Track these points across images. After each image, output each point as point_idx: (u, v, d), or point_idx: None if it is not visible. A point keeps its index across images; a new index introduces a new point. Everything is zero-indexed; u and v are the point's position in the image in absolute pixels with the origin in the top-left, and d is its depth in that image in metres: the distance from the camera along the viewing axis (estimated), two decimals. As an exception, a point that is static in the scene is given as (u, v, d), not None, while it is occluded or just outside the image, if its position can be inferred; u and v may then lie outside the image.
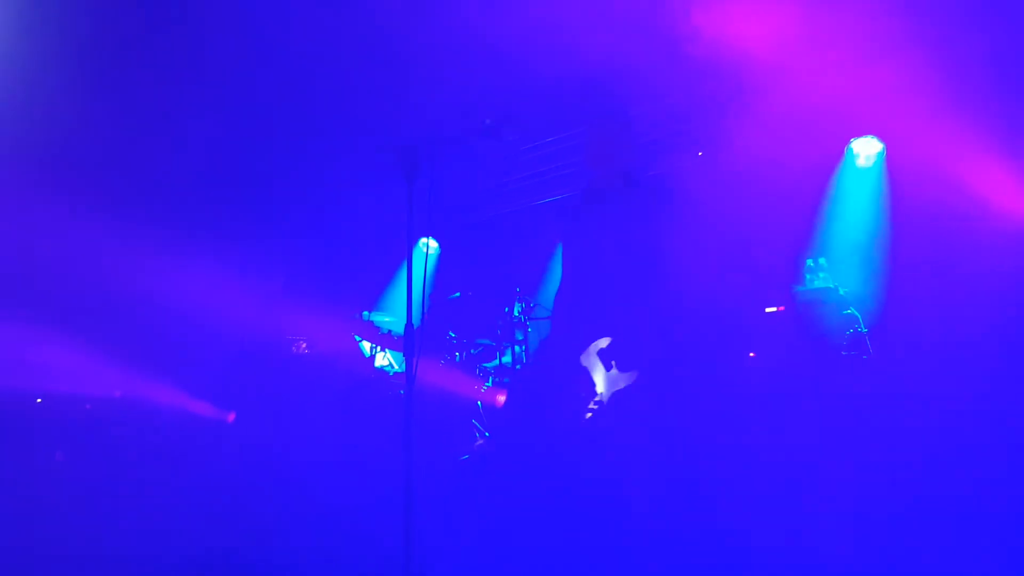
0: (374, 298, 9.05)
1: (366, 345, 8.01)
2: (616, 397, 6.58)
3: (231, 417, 7.60)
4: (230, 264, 8.13)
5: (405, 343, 4.12)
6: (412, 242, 4.59)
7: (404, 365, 7.53)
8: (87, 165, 7.68)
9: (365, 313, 8.09)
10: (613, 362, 6.48)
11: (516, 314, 7.34)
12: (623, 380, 6.62)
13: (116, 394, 7.84)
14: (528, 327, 7.45)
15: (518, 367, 7.29)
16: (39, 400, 7.58)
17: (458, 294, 7.95)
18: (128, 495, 5.89)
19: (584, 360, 6.55)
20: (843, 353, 6.53)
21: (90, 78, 7.03)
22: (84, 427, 7.46)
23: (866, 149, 7.65)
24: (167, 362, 7.83)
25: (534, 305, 7.49)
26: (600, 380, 6.83)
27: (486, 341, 7.76)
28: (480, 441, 6.92)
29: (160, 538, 5.07)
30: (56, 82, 6.83)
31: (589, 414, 6.62)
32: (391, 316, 8.37)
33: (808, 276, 7.00)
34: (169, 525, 5.28)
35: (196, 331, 8.02)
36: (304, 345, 7.80)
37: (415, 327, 4.21)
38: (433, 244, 9.08)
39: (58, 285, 7.71)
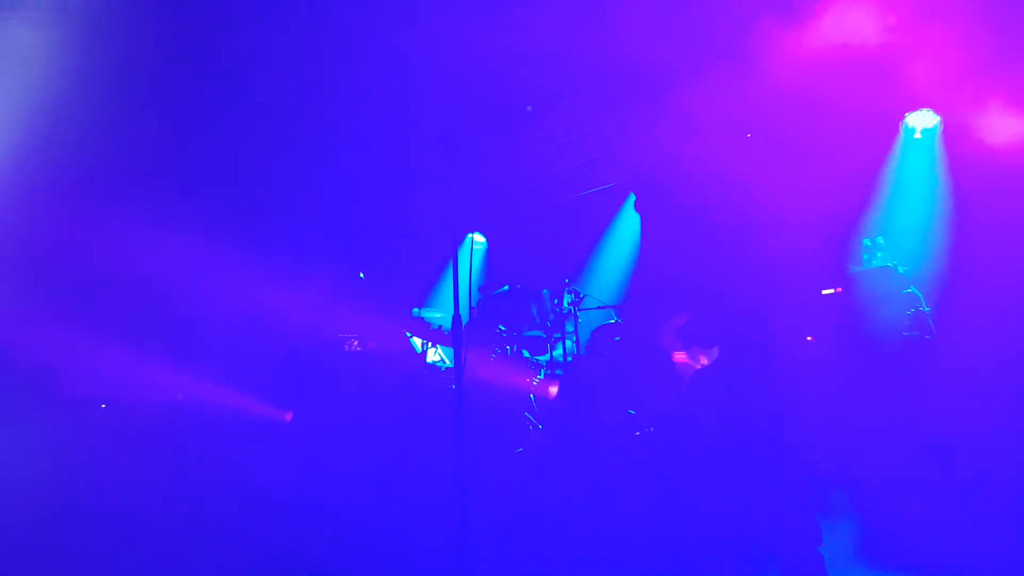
0: (424, 295, 9.11)
1: (417, 341, 8.07)
2: (673, 387, 6.51)
3: (289, 416, 7.73)
4: (284, 266, 8.27)
5: (453, 337, 4.13)
6: (460, 238, 4.60)
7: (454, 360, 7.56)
8: (139, 170, 7.85)
9: (416, 310, 8.14)
10: (671, 351, 6.42)
11: (566, 306, 7.29)
12: (681, 370, 6.55)
13: (178, 397, 8.04)
14: (578, 318, 7.40)
15: (569, 359, 7.25)
16: (104, 406, 7.81)
17: (507, 288, 7.94)
18: (190, 497, 6.02)
19: (644, 350, 6.51)
20: (905, 334, 6.32)
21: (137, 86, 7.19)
22: (149, 431, 7.67)
23: (922, 122, 7.39)
24: (226, 365, 8.00)
25: (583, 296, 7.44)
26: (660, 369, 6.76)
27: (536, 333, 7.73)
28: (533, 434, 6.91)
29: (219, 539, 5.18)
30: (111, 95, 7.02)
31: (645, 405, 6.56)
32: (441, 312, 8.42)
33: (866, 256, 6.79)
34: (230, 526, 5.39)
35: (252, 333, 8.18)
36: (356, 343, 7.89)
37: (462, 321, 4.22)
38: (480, 239, 9.09)
39: (120, 293, 7.93)
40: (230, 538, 5.15)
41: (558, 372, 7.36)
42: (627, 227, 8.91)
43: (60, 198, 7.20)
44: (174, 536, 5.18)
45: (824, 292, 6.65)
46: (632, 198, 8.83)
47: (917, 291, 6.43)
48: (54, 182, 7.04)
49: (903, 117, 7.42)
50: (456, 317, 4.28)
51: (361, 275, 7.90)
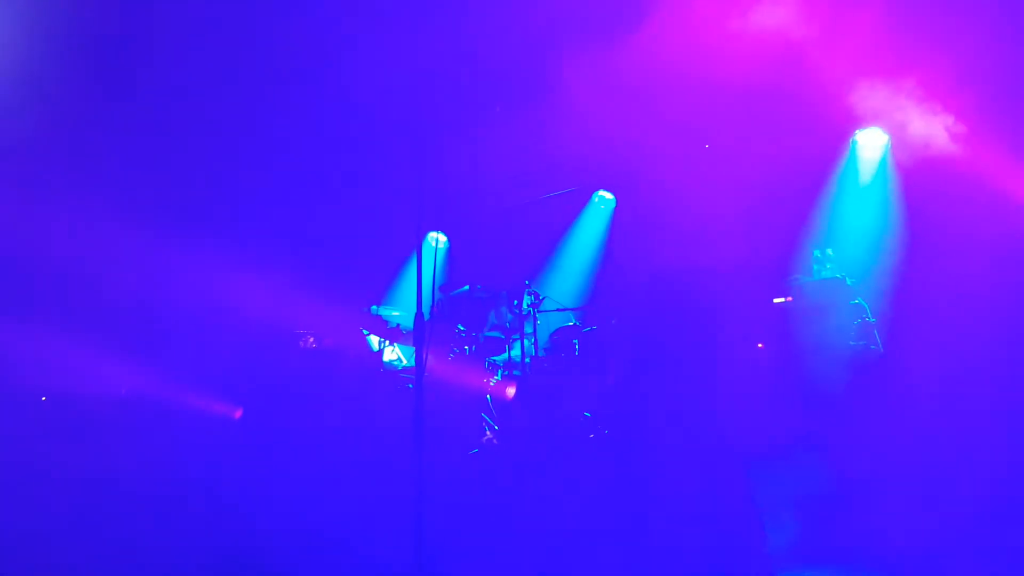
0: (382, 293, 9.03)
1: (374, 340, 8.00)
2: (626, 390, 6.62)
3: (238, 413, 7.58)
4: (238, 259, 8.11)
5: (415, 333, 4.13)
6: (421, 236, 4.60)
7: (413, 359, 7.54)
8: (89, 162, 7.65)
9: (373, 308, 8.07)
10: (624, 356, 6.53)
11: (525, 307, 7.34)
12: (633, 374, 6.65)
13: (122, 392, 7.82)
14: (537, 320, 7.45)
15: (527, 360, 7.30)
16: (43, 399, 7.56)
17: (467, 288, 7.94)
18: (134, 492, 5.87)
19: (598, 353, 6.60)
20: (851, 343, 6.54)
21: (100, 75, 7.02)
22: (91, 425, 7.44)
23: (871, 140, 7.65)
24: (174, 358, 7.80)
25: (543, 298, 7.50)
26: (612, 373, 6.86)
27: (495, 334, 7.76)
28: (489, 435, 6.93)
29: (166, 536, 5.07)
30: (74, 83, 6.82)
31: (598, 409, 6.66)
32: (399, 310, 8.36)
33: (815, 266, 7.01)
34: (176, 522, 5.27)
35: (203, 327, 8.00)
36: (312, 340, 7.79)
37: (425, 318, 4.22)
38: (442, 238, 9.07)
39: (64, 283, 7.68)
40: (175, 536, 5.04)
41: (515, 373, 7.40)
42: (588, 230, 9.01)
43: (13, 189, 6.98)
44: (115, 533, 5.05)
45: (776, 300, 6.85)
46: (594, 199, 8.93)
47: (864, 303, 6.67)
48: (8, 173, 6.82)
49: (852, 133, 7.67)
50: (419, 315, 4.28)
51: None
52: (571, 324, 7.52)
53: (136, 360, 7.73)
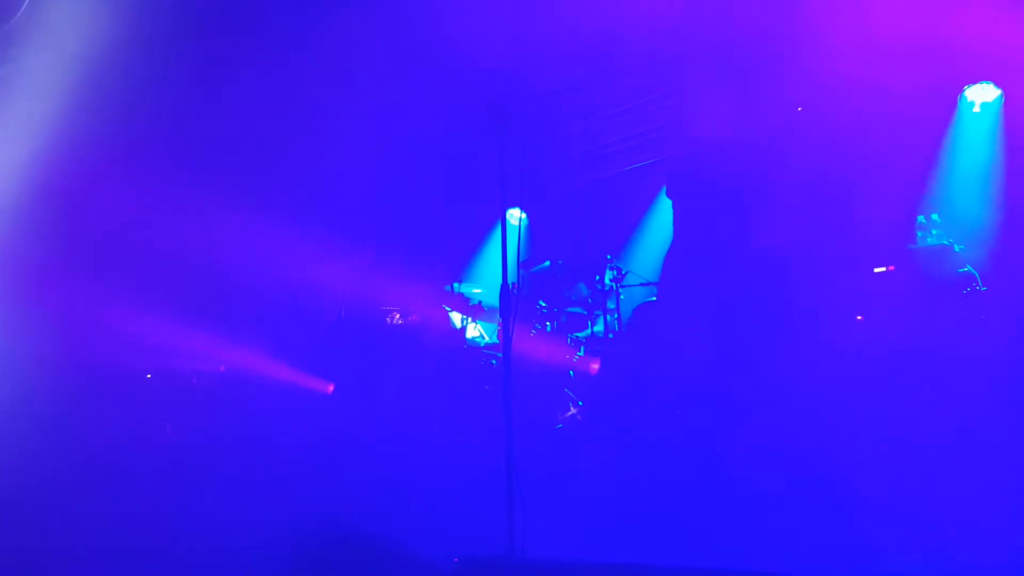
0: (462, 270, 9.09)
1: (456, 317, 8.06)
2: (717, 363, 6.42)
3: (330, 388, 7.78)
4: (323, 238, 8.30)
5: (501, 304, 4.09)
6: (503, 211, 4.55)
7: (495, 335, 7.54)
8: (188, 154, 7.93)
9: (455, 285, 8.12)
10: (717, 328, 6.31)
11: (607, 282, 7.22)
12: (724, 347, 6.44)
13: (221, 368, 8.14)
14: (620, 295, 7.32)
15: (610, 336, 7.19)
16: (149, 376, 7.94)
17: (548, 264, 7.88)
18: (233, 468, 6.09)
19: (687, 325, 6.40)
20: (960, 314, 6.14)
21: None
22: (192, 401, 7.78)
23: (981, 96, 7.12)
24: (268, 337, 8.07)
25: (625, 272, 7.36)
26: (698, 347, 6.66)
27: (577, 310, 7.67)
28: (573, 411, 6.88)
29: (263, 507, 5.23)
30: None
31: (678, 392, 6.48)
32: (479, 287, 8.39)
33: (921, 233, 6.61)
34: (270, 499, 5.44)
35: (293, 305, 8.24)
36: (398, 316, 7.90)
37: (510, 289, 4.18)
38: (521, 215, 9.02)
39: (164, 266, 8.03)
40: (272, 511, 5.20)
41: (598, 349, 7.30)
42: (670, 203, 8.76)
43: (94, 186, 7.30)
44: (216, 509, 5.24)
45: (876, 270, 6.49)
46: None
47: (974, 270, 6.24)
48: (85, 170, 7.13)
49: (961, 90, 7.16)
50: (504, 288, 4.24)
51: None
52: (654, 299, 7.36)
53: (232, 338, 8.03)
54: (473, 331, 8.05)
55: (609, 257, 7.42)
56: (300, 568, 4.17)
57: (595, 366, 7.19)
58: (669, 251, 5.81)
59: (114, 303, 7.60)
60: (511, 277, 4.28)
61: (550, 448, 6.28)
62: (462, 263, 9.32)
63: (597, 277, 7.39)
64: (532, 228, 9.21)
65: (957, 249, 6.37)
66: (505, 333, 4.15)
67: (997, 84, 7.01)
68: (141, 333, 7.75)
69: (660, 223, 8.78)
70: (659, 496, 4.93)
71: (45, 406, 6.54)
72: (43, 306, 7.05)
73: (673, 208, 5.91)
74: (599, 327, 7.41)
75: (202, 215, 7.86)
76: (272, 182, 8.34)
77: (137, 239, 7.87)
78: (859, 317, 6.37)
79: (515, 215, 8.77)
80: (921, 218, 6.65)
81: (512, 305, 4.14)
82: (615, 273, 7.31)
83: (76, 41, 6.69)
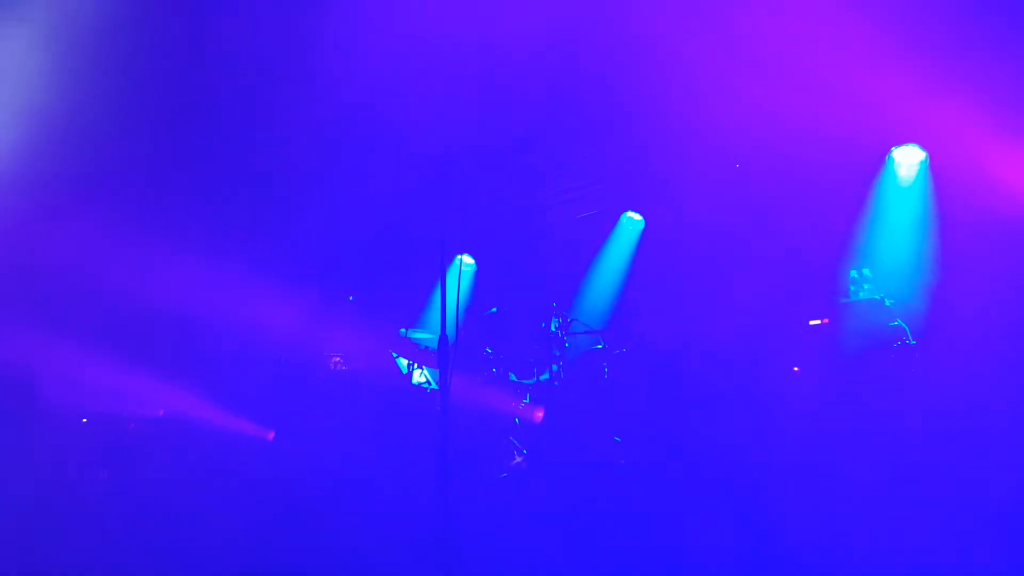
0: (413, 315, 9.07)
1: (403, 362, 8.02)
2: (659, 413, 6.51)
3: (271, 435, 7.65)
4: (268, 282, 8.23)
5: (439, 356, 4.11)
6: (448, 258, 4.60)
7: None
8: (122, 183, 7.85)
9: (403, 330, 8.10)
10: (656, 378, 6.42)
11: (553, 329, 7.28)
12: (667, 396, 6.54)
13: (159, 413, 7.96)
14: (565, 342, 7.38)
15: (556, 383, 7.22)
16: (84, 420, 7.72)
17: (495, 310, 7.92)
18: (170, 512, 5.93)
19: (624, 376, 6.51)
20: (890, 366, 6.34)
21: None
22: (129, 445, 7.58)
23: (908, 158, 7.45)
24: (208, 381, 7.93)
25: (571, 320, 7.43)
26: (642, 396, 6.75)
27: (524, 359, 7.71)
28: (518, 459, 6.86)
29: (201, 554, 5.09)
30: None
31: (624, 433, 6.55)
32: (429, 333, 8.37)
33: (852, 287, 6.83)
34: (211, 541, 5.30)
35: (235, 349, 8.12)
36: (341, 361, 7.84)
37: (448, 340, 4.21)
38: (469, 260, 9.08)
39: (99, 306, 7.87)
40: (206, 560, 5.06)
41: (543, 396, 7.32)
42: (617, 252, 8.93)
43: (48, 204, 7.18)
44: (150, 557, 5.09)
45: (811, 323, 6.68)
46: (623, 220, 8.86)
47: (904, 324, 6.46)
48: (44, 187, 7.02)
49: (889, 151, 7.49)
50: (443, 337, 4.27)
51: (351, 298, 7.87)
52: (599, 347, 7.43)
53: (172, 382, 7.87)
54: (419, 376, 8.02)
55: (555, 304, 7.49)
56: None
57: (540, 414, 7.21)
58: (618, 302, 5.94)
59: (50, 345, 7.42)
60: (452, 324, 4.31)
61: (493, 499, 6.23)
62: (414, 309, 9.31)
63: (543, 324, 7.45)
64: (479, 274, 9.27)
65: (888, 304, 6.60)
66: (441, 383, 4.16)
67: (923, 147, 7.35)
68: (78, 376, 7.56)
69: (606, 272, 8.94)
70: (603, 542, 4.93)
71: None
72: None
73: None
74: (544, 375, 7.44)
75: (143, 257, 7.76)
76: (217, 226, 8.28)
77: (76, 280, 7.72)
78: (796, 368, 6.54)
79: (465, 260, 8.84)
80: (853, 272, 6.87)
81: (449, 355, 4.16)
82: (560, 320, 7.37)
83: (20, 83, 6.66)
